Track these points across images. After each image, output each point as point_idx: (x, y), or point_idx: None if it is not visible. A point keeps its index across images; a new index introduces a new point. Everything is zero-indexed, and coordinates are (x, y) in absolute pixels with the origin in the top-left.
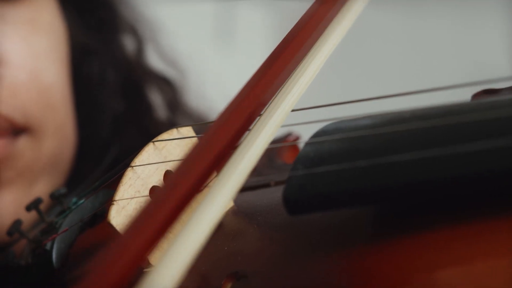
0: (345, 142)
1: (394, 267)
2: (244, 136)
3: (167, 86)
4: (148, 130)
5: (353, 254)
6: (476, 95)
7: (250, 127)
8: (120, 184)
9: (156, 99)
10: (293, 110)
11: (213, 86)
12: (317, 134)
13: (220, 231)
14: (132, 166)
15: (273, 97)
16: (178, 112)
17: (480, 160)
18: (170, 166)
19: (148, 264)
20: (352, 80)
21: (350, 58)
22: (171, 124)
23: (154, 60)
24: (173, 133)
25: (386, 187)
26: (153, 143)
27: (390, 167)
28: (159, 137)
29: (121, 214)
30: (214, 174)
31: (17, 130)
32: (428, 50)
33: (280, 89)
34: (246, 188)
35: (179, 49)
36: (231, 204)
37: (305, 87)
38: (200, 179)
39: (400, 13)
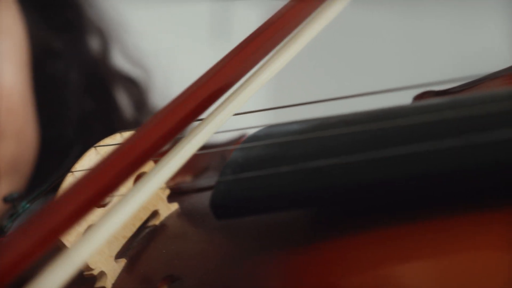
0: (273, 147)
1: (330, 267)
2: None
3: (134, 86)
4: (115, 130)
5: (290, 255)
6: (417, 97)
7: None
8: (60, 189)
9: (123, 99)
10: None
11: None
12: (248, 140)
13: (162, 234)
14: (73, 172)
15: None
16: (145, 112)
17: (402, 164)
18: None
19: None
20: (350, 80)
21: (348, 58)
22: (138, 124)
23: (121, 61)
24: (116, 137)
25: (309, 191)
26: (95, 148)
27: (313, 172)
28: (102, 142)
29: None
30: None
31: None
32: (427, 50)
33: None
34: (196, 190)
35: (147, 49)
36: (176, 206)
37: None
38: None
39: (397, 13)
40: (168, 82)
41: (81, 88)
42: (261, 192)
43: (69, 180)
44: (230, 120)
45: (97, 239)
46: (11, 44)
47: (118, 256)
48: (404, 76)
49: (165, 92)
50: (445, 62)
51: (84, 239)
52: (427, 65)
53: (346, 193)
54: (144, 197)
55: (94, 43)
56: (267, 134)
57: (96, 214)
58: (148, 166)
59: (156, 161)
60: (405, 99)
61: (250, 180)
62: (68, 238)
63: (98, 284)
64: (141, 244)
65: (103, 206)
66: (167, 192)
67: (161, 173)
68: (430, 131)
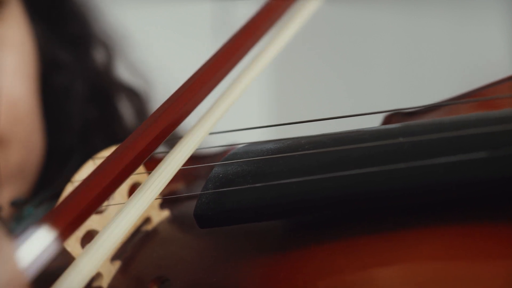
0: (249, 164)
1: (302, 272)
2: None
3: (136, 97)
4: (117, 138)
5: (265, 261)
6: (388, 117)
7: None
8: (61, 197)
9: (125, 109)
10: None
11: None
12: (228, 157)
13: (153, 239)
14: (72, 181)
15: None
16: None
17: (362, 182)
18: None
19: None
20: (351, 81)
21: (349, 58)
22: None
23: (124, 72)
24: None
25: (279, 205)
26: (93, 160)
27: (283, 188)
28: (99, 154)
29: None
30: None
31: None
32: (427, 50)
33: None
34: (186, 198)
35: (148, 61)
36: (167, 213)
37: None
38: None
39: (397, 13)
40: (167, 92)
41: (84, 98)
42: (238, 205)
43: (69, 188)
44: (229, 135)
45: (102, 251)
46: (21, 57)
47: (114, 258)
48: (403, 77)
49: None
50: (445, 69)
51: (88, 252)
52: (427, 64)
53: (313, 206)
54: (140, 208)
55: (98, 55)
56: (245, 152)
57: (93, 219)
58: (142, 177)
59: (149, 172)
60: (379, 117)
61: (229, 194)
62: (69, 243)
63: (95, 283)
64: (135, 248)
65: (100, 212)
66: (159, 200)
67: (153, 187)
68: (381, 154)
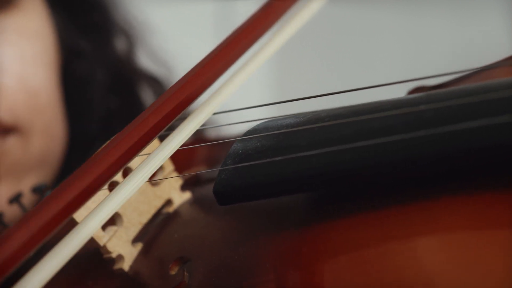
0: (269, 139)
1: (323, 247)
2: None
3: (157, 84)
4: None
5: (285, 237)
6: (411, 92)
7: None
8: None
9: (147, 97)
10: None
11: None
12: (248, 133)
13: (175, 220)
14: None
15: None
16: None
17: (382, 152)
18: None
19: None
20: (351, 74)
21: (349, 52)
22: None
23: (145, 60)
24: None
25: (300, 178)
26: None
27: (303, 161)
28: None
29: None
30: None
31: (5, 129)
32: (426, 43)
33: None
34: (208, 180)
35: (169, 49)
36: (188, 195)
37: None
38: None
39: (397, 12)
40: None
41: (106, 87)
42: (257, 180)
43: None
44: (237, 113)
45: (105, 211)
46: (41, 47)
47: (135, 240)
48: (404, 69)
49: None
50: (445, 54)
51: (91, 214)
52: (426, 58)
53: (334, 178)
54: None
55: (119, 44)
56: (265, 128)
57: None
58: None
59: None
60: (401, 92)
61: (248, 169)
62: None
63: (116, 266)
64: (156, 229)
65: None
66: (180, 182)
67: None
68: (407, 122)
